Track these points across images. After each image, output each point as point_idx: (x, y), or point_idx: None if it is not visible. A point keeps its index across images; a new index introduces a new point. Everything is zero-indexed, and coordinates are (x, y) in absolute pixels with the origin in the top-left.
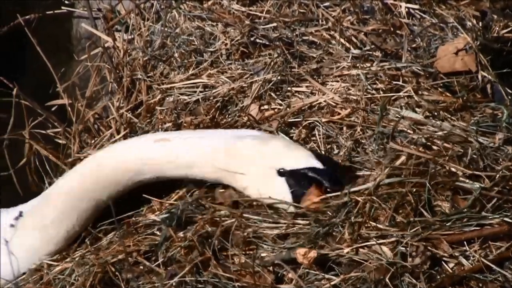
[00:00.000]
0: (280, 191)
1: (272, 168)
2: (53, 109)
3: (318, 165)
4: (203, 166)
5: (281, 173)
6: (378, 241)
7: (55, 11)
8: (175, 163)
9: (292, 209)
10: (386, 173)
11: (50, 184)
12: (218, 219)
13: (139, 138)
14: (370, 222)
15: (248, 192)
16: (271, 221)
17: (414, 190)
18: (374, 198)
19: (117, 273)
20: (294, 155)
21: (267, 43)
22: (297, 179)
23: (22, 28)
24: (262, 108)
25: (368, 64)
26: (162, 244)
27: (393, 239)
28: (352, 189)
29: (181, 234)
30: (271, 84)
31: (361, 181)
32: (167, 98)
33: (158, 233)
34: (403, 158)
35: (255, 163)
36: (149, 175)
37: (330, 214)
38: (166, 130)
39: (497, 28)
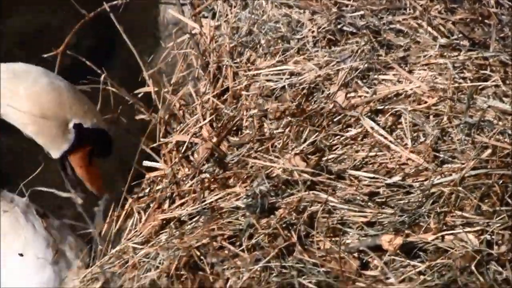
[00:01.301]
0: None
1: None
2: (139, 95)
3: (103, 126)
4: None
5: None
6: (464, 229)
7: None
8: None
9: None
10: (472, 165)
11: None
12: (302, 205)
13: None
14: (456, 212)
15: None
16: (357, 209)
17: (501, 181)
18: (460, 188)
19: (201, 257)
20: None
21: (354, 31)
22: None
23: (108, 14)
24: (348, 95)
25: (456, 53)
26: (246, 230)
27: (478, 227)
28: (438, 180)
29: (264, 221)
30: (357, 71)
31: (447, 172)
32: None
33: (242, 218)
34: (489, 150)
35: None
36: None
37: (416, 204)
38: (251, 116)
39: None
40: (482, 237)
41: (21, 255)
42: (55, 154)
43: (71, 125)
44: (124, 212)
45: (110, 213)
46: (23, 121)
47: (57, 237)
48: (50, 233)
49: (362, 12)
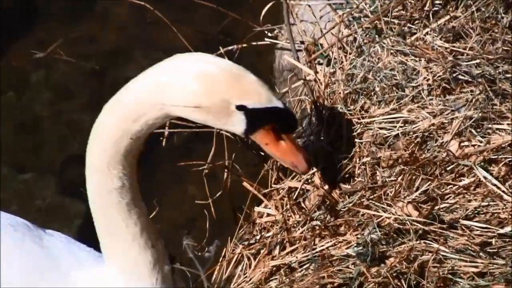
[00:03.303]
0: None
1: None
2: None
3: (279, 104)
4: None
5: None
6: None
7: (258, 43)
8: None
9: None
10: None
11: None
12: (413, 254)
13: None
14: None
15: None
16: (468, 259)
17: None
18: None
19: None
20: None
21: (469, 79)
22: (256, 116)
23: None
24: (462, 144)
25: None
26: (356, 279)
27: None
28: None
29: (374, 269)
30: (472, 120)
31: None
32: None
33: (352, 267)
34: None
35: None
36: None
37: None
38: (364, 164)
39: None
40: None
41: None
42: (237, 134)
43: (232, 106)
44: (234, 257)
45: (220, 259)
46: (192, 103)
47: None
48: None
49: (477, 61)
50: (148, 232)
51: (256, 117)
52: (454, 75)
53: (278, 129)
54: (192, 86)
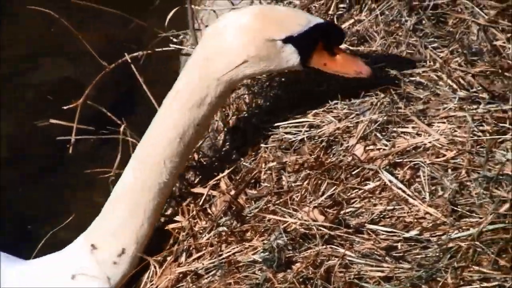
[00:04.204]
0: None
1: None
2: None
3: (319, 20)
4: None
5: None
6: (481, 285)
7: (164, 49)
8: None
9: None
10: (490, 220)
11: None
12: (319, 259)
13: None
14: (473, 267)
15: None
16: (374, 264)
17: None
18: (477, 243)
19: None
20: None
21: (374, 82)
22: (304, 41)
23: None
24: (367, 148)
25: (475, 106)
26: (263, 284)
27: (496, 283)
28: (456, 235)
29: (281, 275)
30: (376, 124)
31: (465, 226)
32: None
33: (259, 273)
34: (507, 204)
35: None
36: None
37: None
38: (270, 169)
39: None
40: None
41: None
42: (295, 68)
43: (279, 43)
44: (140, 265)
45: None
46: (240, 61)
47: None
48: None
49: (382, 64)
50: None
51: (305, 43)
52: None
53: (328, 45)
54: (233, 44)
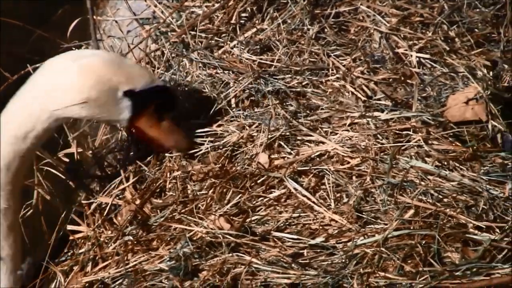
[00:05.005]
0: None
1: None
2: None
3: (161, 83)
4: None
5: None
6: None
7: None
8: None
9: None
10: (395, 226)
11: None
12: (226, 267)
13: None
14: (379, 272)
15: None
16: (280, 271)
17: (424, 242)
18: (383, 249)
19: None
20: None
21: (277, 91)
22: (141, 99)
23: None
24: (271, 156)
25: (378, 113)
26: None
27: None
28: (361, 241)
29: (188, 283)
30: (280, 132)
31: (370, 232)
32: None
33: (165, 281)
34: (412, 210)
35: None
36: None
37: (339, 265)
38: (175, 178)
39: (508, 78)
40: None
41: None
42: (121, 123)
43: (120, 93)
44: (46, 276)
45: (32, 277)
46: (80, 99)
47: None
48: None
49: (286, 74)
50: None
51: (141, 100)
52: (261, 87)
53: (159, 109)
54: (79, 81)
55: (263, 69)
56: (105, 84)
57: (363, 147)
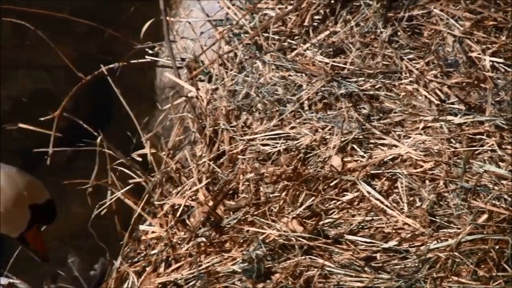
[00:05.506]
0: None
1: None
2: (136, 158)
3: (49, 196)
4: None
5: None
6: None
7: (139, 60)
8: None
9: None
10: (468, 230)
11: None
12: (298, 270)
13: None
14: (452, 277)
15: None
16: (353, 274)
17: (497, 247)
18: (456, 254)
19: None
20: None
21: (350, 94)
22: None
23: (106, 77)
24: (344, 159)
25: (451, 117)
26: None
27: None
28: (434, 246)
29: (260, 285)
30: (353, 136)
31: (443, 237)
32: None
33: (238, 283)
34: (485, 215)
35: None
36: None
37: (413, 269)
38: (248, 180)
39: None
40: None
41: None
42: (16, 234)
43: (26, 207)
44: (119, 276)
45: (106, 277)
46: None
47: None
48: None
49: (360, 78)
50: None
51: (39, 213)
52: (334, 90)
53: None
54: None
55: (336, 71)
56: (15, 205)
57: (437, 151)
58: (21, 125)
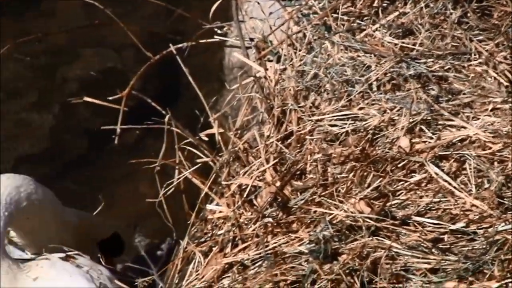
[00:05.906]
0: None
1: None
2: (203, 138)
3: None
4: None
5: None
6: None
7: (208, 40)
8: None
9: None
10: None
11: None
12: (365, 251)
13: None
14: None
15: None
16: (420, 256)
17: None
18: None
19: None
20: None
21: (419, 75)
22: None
23: (174, 56)
24: (412, 140)
25: None
26: (309, 276)
27: None
28: (503, 227)
29: (327, 266)
30: (421, 117)
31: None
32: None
33: (305, 264)
34: None
35: None
36: None
37: (480, 251)
38: (315, 161)
39: None
40: None
41: None
42: None
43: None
44: (185, 256)
45: (172, 256)
46: None
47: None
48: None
49: (429, 59)
50: None
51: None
52: (403, 71)
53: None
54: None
55: (405, 52)
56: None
57: (505, 132)
58: (86, 98)
